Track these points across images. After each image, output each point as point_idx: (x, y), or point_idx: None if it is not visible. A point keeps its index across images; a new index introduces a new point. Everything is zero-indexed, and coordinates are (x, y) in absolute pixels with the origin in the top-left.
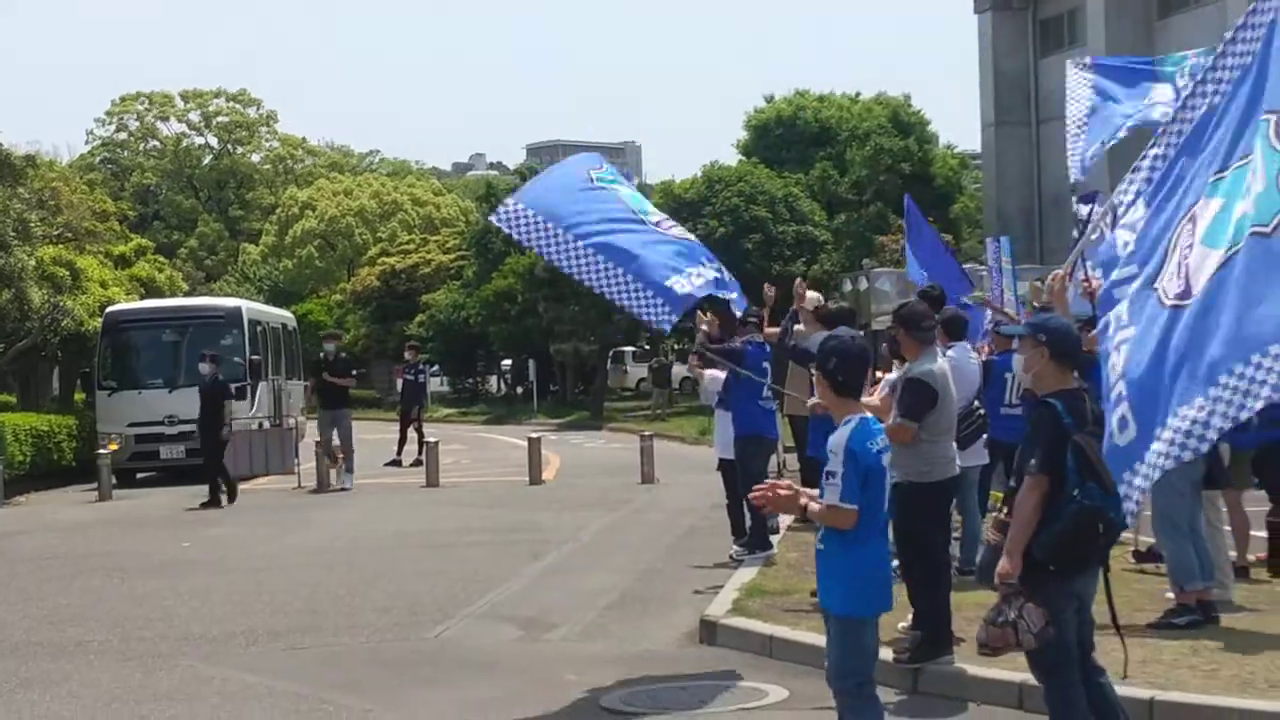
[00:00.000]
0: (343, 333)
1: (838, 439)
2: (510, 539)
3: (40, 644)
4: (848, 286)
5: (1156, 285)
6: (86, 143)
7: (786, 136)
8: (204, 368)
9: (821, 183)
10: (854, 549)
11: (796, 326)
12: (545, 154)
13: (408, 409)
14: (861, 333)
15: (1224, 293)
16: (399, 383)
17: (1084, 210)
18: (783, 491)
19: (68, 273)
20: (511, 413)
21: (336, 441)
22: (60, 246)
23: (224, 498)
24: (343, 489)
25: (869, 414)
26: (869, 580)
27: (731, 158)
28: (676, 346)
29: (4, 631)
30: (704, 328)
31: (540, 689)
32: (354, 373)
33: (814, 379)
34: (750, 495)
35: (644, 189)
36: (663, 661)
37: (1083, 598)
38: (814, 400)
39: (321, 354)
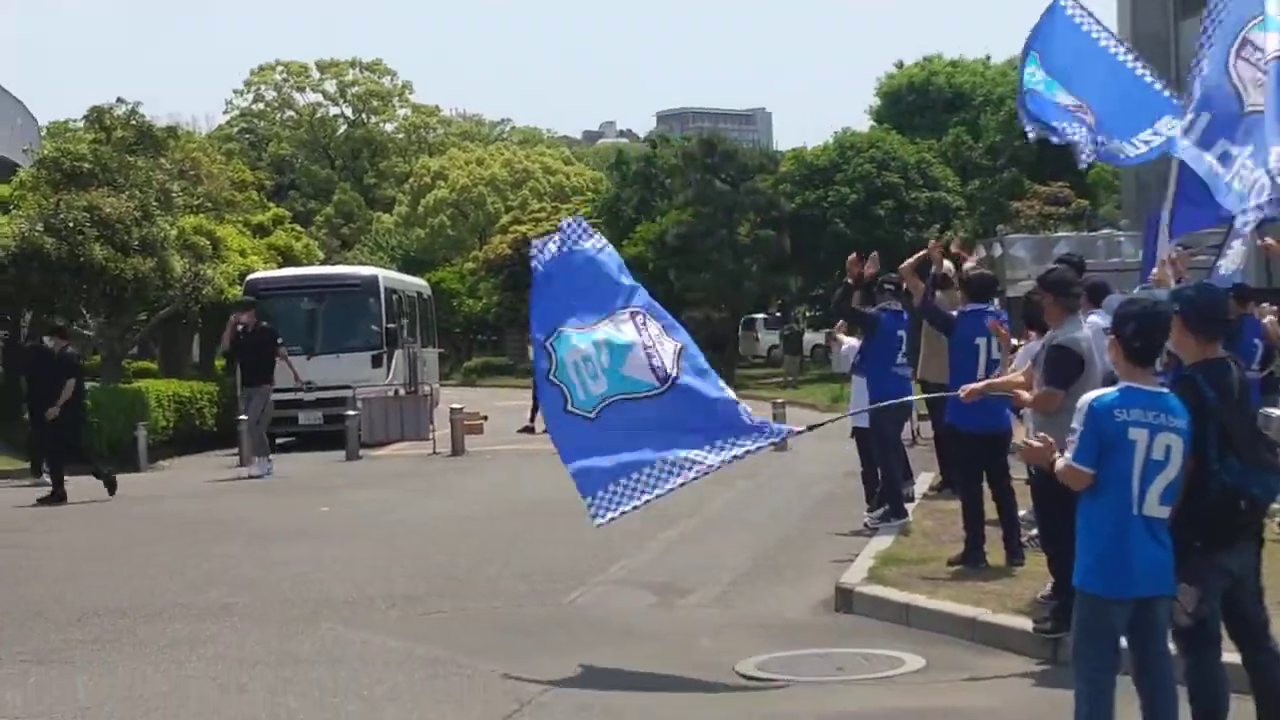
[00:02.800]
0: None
1: (1084, 398)
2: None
3: (185, 606)
4: (982, 253)
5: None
6: (225, 113)
7: (919, 102)
8: (49, 341)
9: (955, 148)
10: (1089, 518)
11: (937, 292)
12: (675, 120)
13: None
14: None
15: None
16: (530, 350)
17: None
18: (1036, 443)
19: (208, 242)
20: None
21: None
22: (201, 216)
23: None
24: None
25: (1162, 389)
26: (1103, 556)
27: (863, 124)
28: (808, 314)
29: (150, 594)
30: (847, 279)
31: (675, 655)
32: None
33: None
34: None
35: (774, 156)
36: (798, 629)
37: (1238, 573)
38: (970, 387)
39: None
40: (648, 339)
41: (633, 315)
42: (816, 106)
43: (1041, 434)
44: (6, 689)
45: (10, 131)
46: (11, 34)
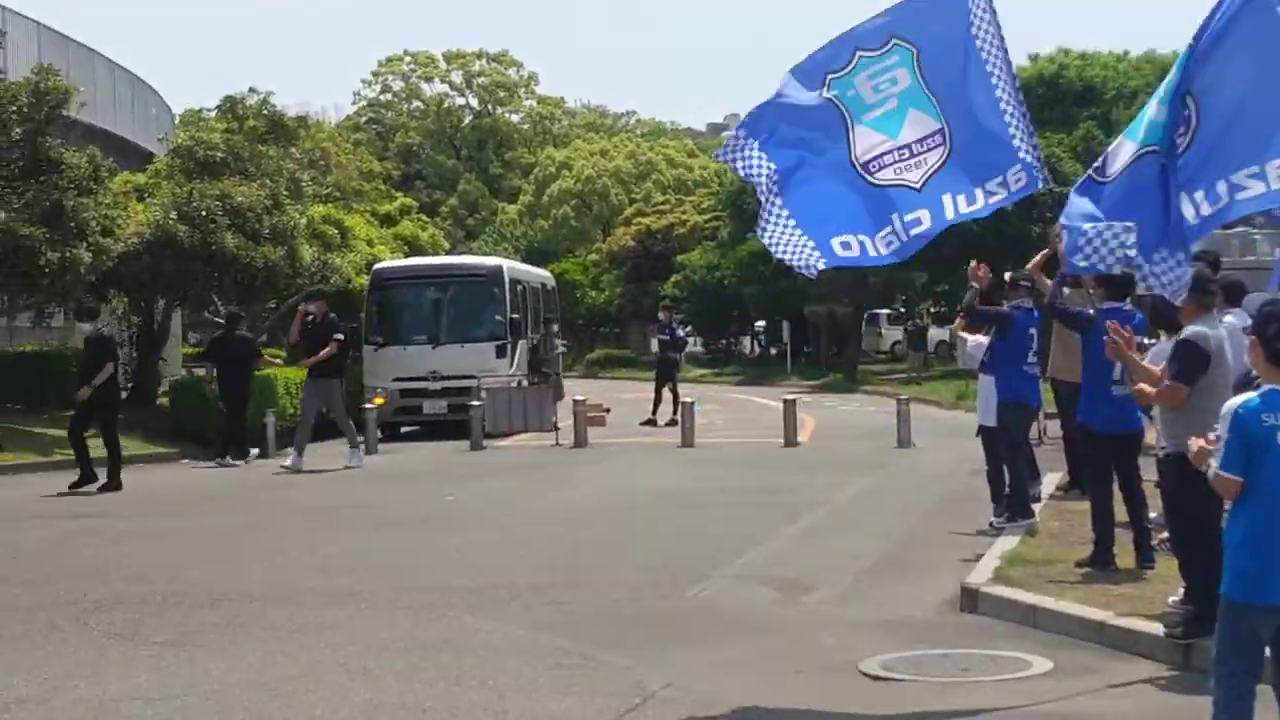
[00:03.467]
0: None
1: (1228, 404)
2: (766, 500)
3: (313, 591)
4: None
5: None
6: (353, 102)
7: (1049, 96)
8: (85, 326)
9: (1085, 143)
10: (1236, 524)
11: (1065, 290)
12: None
13: (662, 369)
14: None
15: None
16: (653, 343)
17: None
18: (1202, 443)
19: (336, 231)
20: (765, 374)
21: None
22: (329, 205)
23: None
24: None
25: None
26: (1251, 562)
27: None
28: (933, 310)
29: (280, 579)
30: (974, 284)
31: (797, 651)
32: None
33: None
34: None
35: None
36: (922, 628)
37: None
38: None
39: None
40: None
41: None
42: None
43: (1213, 435)
44: (141, 671)
45: (146, 120)
46: (145, 22)
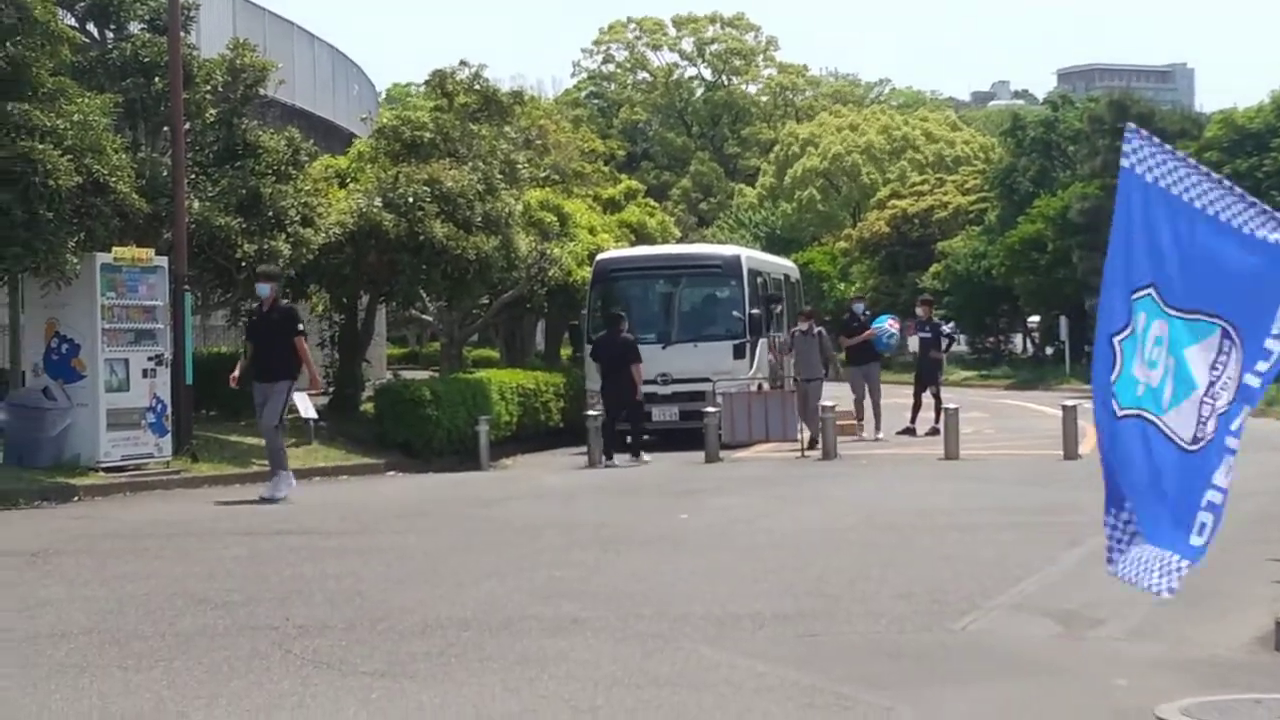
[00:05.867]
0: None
1: None
2: (1044, 521)
3: (535, 618)
4: None
5: None
6: (573, 75)
7: None
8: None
9: None
10: None
11: None
12: (1079, 79)
13: (923, 371)
14: None
15: None
16: (912, 341)
17: None
18: None
19: (555, 218)
20: (1039, 376)
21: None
22: (547, 190)
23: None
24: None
25: None
26: None
27: None
28: None
29: (497, 605)
30: None
31: (1084, 693)
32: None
33: None
34: None
35: (1199, 118)
36: (1230, 669)
37: None
38: None
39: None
40: (1216, 378)
41: (1224, 333)
42: (1248, 60)
43: None
44: (350, 703)
45: (348, 99)
46: None
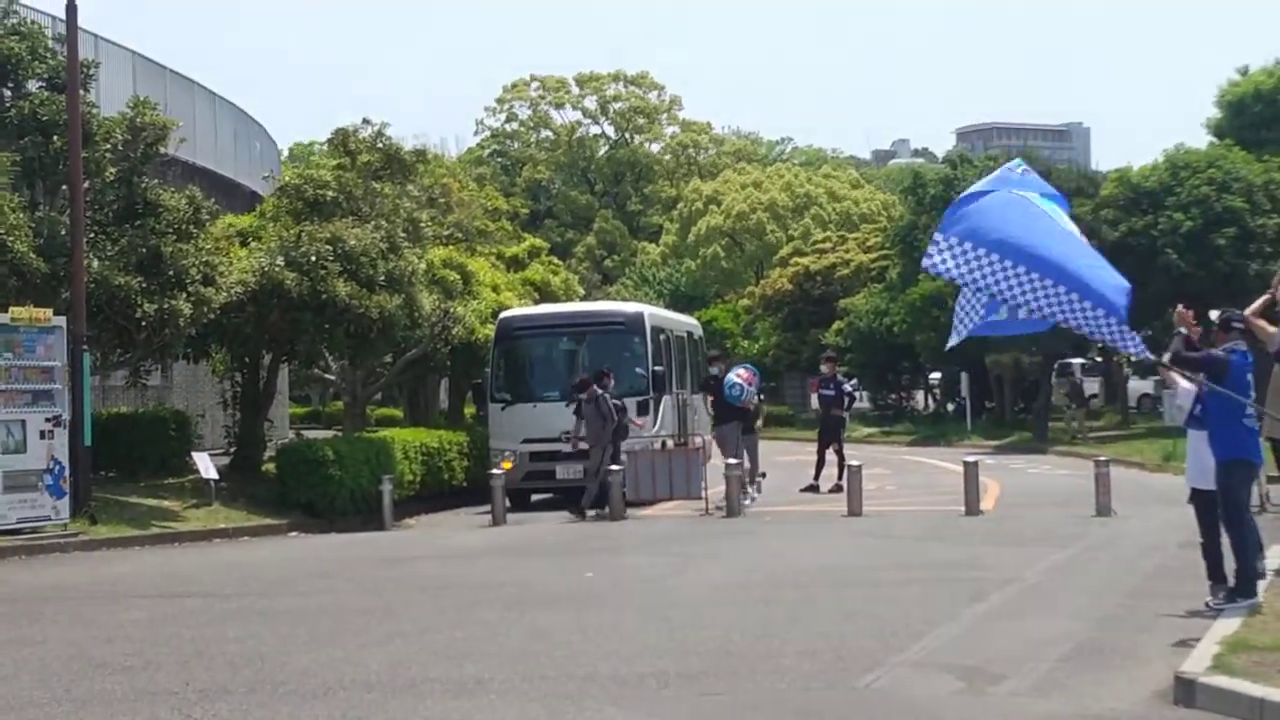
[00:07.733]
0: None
1: None
2: (946, 577)
3: (438, 680)
4: None
5: None
6: (476, 133)
7: (1267, 114)
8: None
9: None
10: None
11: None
12: (977, 138)
13: (826, 428)
14: None
15: None
16: (814, 399)
17: None
18: None
19: (458, 276)
20: (941, 433)
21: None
22: (450, 248)
23: None
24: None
25: None
26: None
27: (1199, 139)
28: (1133, 358)
29: (399, 667)
30: (1182, 329)
31: None
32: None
33: None
34: None
35: (1095, 177)
36: None
37: None
38: None
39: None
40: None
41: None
42: (1142, 120)
43: None
44: None
45: (250, 157)
46: (248, 52)
